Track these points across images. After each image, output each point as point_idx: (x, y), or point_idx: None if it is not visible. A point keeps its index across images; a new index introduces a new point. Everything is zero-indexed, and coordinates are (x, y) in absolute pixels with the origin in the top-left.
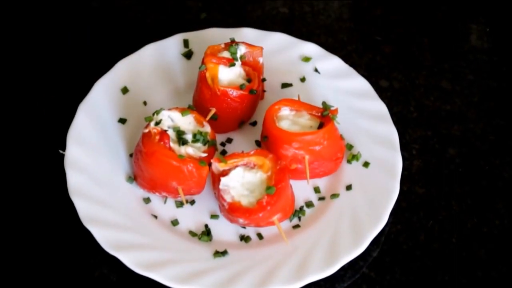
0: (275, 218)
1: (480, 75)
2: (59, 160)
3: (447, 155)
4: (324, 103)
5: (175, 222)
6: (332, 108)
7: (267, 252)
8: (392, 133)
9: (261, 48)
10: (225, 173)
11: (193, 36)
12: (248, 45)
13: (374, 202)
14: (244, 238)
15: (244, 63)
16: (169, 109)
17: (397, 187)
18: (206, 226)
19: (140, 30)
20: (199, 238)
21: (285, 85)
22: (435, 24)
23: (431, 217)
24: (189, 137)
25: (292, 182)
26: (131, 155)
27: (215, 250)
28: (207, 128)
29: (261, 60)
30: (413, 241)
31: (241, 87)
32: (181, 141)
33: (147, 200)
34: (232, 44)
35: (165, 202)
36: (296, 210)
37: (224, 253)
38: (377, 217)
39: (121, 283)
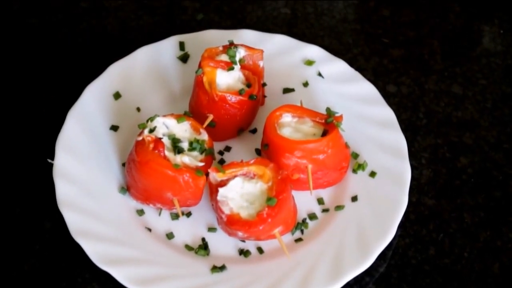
0: (276, 231)
1: (494, 80)
2: (48, 169)
3: (459, 165)
4: (328, 109)
5: (170, 235)
6: (336, 115)
7: (267, 267)
8: (400, 141)
9: (262, 51)
10: (223, 183)
11: (189, 38)
12: (248, 47)
13: (381, 214)
14: (244, 252)
15: (243, 67)
16: (164, 116)
17: (405, 198)
18: (203, 239)
19: (133, 31)
20: (196, 252)
21: (286, 90)
22: (446, 26)
23: (442, 230)
24: (185, 145)
25: (294, 193)
26: (123, 165)
27: (212, 265)
28: (204, 136)
29: (261, 63)
30: (422, 256)
31: (240, 92)
32: (177, 149)
33: (140, 212)
34: (230, 46)
35: (159, 214)
36: (298, 223)
37: (222, 268)
38: (384, 230)
39: None
